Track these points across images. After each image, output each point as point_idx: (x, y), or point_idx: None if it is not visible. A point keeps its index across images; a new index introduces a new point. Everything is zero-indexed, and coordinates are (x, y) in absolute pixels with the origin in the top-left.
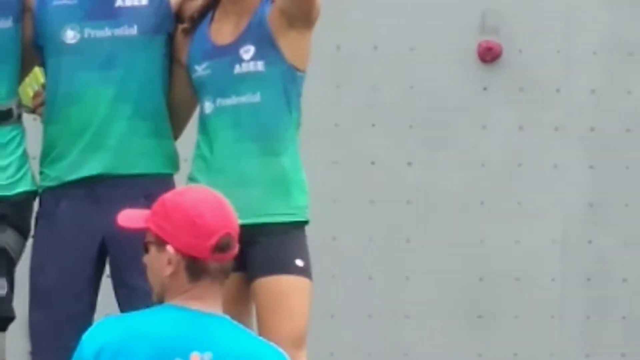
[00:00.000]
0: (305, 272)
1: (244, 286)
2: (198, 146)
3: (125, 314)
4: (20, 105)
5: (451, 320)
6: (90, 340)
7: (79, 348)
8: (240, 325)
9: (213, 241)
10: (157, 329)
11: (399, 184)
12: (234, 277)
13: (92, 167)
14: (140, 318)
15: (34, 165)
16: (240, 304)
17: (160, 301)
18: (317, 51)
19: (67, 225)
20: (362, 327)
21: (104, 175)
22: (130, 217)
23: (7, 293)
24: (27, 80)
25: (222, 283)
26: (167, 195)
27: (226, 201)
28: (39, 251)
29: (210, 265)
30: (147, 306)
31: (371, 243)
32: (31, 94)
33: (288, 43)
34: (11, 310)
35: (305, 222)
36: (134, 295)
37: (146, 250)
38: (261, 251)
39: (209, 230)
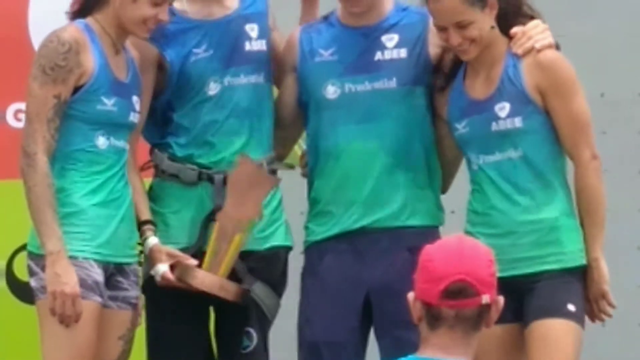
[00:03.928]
0: (576, 317)
1: (520, 338)
2: (470, 200)
3: None
4: (272, 161)
5: None
6: None
7: None
8: None
9: (442, 286)
10: None
11: None
12: (510, 328)
13: (355, 221)
14: None
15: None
16: (512, 356)
17: None
18: None
19: (331, 279)
20: None
21: (367, 228)
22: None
23: (256, 345)
24: (300, 140)
25: (466, 332)
26: None
27: (474, 249)
28: (305, 305)
29: (444, 312)
30: None
31: None
32: (299, 152)
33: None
34: None
35: (580, 267)
36: (398, 346)
37: None
38: (534, 297)
39: (439, 275)
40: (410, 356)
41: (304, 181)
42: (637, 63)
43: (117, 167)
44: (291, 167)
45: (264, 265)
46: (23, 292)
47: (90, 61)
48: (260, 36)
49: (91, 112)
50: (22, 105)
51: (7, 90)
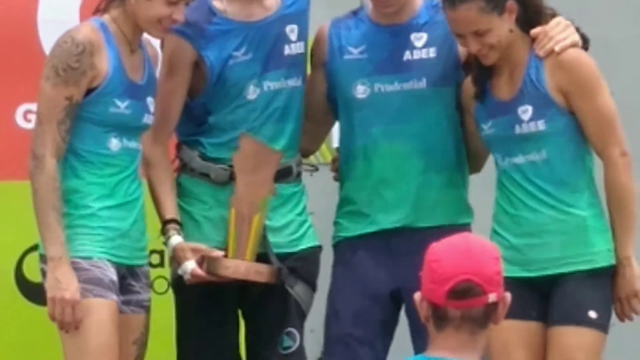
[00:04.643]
0: (598, 324)
1: (542, 337)
2: (497, 200)
3: None
4: (300, 163)
5: None
6: None
7: None
8: None
9: (447, 287)
10: None
11: None
12: (533, 326)
13: (390, 221)
14: None
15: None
16: (533, 354)
17: None
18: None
19: (363, 273)
20: None
21: (401, 228)
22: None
23: (299, 346)
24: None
25: (472, 332)
26: None
27: (480, 248)
28: (334, 298)
29: (450, 312)
30: None
31: None
32: (330, 154)
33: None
34: None
35: (609, 267)
36: None
37: None
38: (557, 300)
39: (445, 275)
40: (418, 356)
41: (316, 179)
42: None
43: (131, 169)
44: (315, 168)
45: (304, 264)
46: (33, 293)
47: (104, 63)
48: (300, 38)
49: (103, 115)
50: (31, 106)
51: (16, 91)
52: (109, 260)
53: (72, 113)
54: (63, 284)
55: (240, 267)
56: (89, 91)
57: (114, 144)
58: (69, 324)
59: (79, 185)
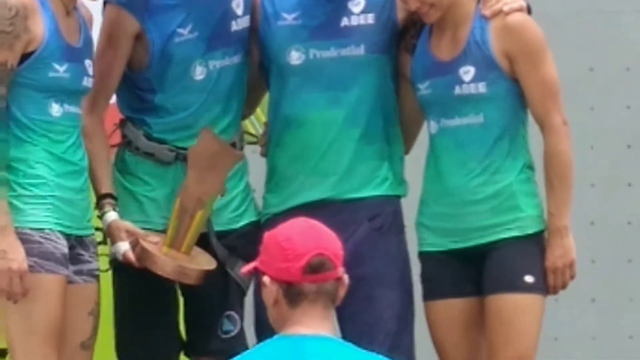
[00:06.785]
0: (535, 288)
1: (480, 312)
2: (426, 167)
3: (241, 354)
4: (242, 138)
5: None
6: None
7: None
8: (347, 343)
9: (303, 262)
10: None
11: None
12: (471, 302)
13: (316, 192)
14: (251, 355)
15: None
16: (477, 330)
17: None
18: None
19: None
20: (586, 350)
21: (327, 200)
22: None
23: (239, 330)
24: (261, 107)
25: (326, 306)
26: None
27: (322, 227)
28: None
29: (306, 287)
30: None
31: (593, 265)
32: (263, 119)
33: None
34: (245, 346)
35: (538, 233)
36: (356, 322)
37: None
38: (490, 268)
39: (298, 252)
40: (275, 337)
41: (257, 155)
42: (624, 37)
43: (75, 135)
44: (257, 138)
45: (244, 243)
46: None
47: (40, 26)
48: (245, 12)
49: (43, 80)
50: None
51: None
52: (60, 231)
53: (7, 79)
54: (10, 254)
55: (168, 265)
56: (25, 57)
57: (55, 109)
58: (17, 294)
59: (26, 154)
